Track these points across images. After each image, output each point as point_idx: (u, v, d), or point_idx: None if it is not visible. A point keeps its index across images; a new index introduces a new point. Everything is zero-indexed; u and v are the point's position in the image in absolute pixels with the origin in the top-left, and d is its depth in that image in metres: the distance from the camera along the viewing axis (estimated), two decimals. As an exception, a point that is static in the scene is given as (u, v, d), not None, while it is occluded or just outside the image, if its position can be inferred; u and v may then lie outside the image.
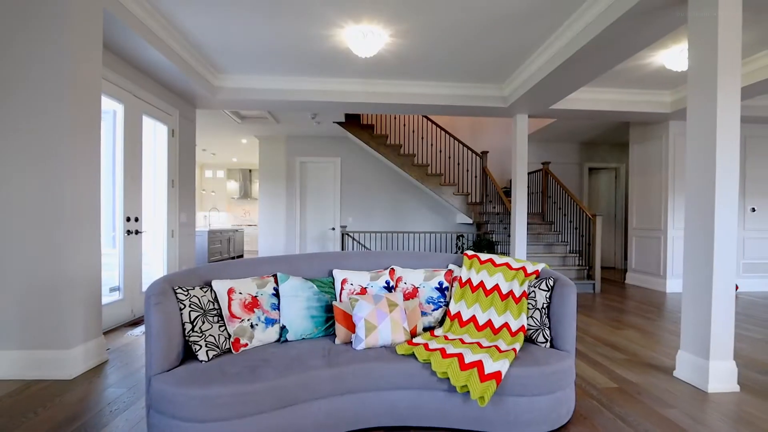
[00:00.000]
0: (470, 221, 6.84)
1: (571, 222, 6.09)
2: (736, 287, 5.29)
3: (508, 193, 6.71)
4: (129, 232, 3.47)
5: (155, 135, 4.05)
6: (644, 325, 3.59)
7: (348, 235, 6.52)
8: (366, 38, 3.32)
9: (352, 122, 6.37)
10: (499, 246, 6.01)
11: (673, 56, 3.65)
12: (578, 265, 5.65)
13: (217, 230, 8.45)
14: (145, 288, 3.71)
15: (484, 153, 6.49)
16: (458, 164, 6.84)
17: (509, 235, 5.49)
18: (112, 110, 3.37)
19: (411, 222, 7.40)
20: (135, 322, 3.49)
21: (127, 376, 2.33)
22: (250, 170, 10.85)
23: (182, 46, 3.57)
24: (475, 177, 7.07)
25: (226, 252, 8.81)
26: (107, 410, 1.90)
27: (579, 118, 5.30)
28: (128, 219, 3.47)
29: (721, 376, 2.18)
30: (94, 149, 2.49)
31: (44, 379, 2.26)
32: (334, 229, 7.39)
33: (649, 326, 3.54)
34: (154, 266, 4.04)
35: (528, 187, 7.31)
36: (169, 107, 4.17)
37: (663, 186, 5.43)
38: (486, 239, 5.99)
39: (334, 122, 6.30)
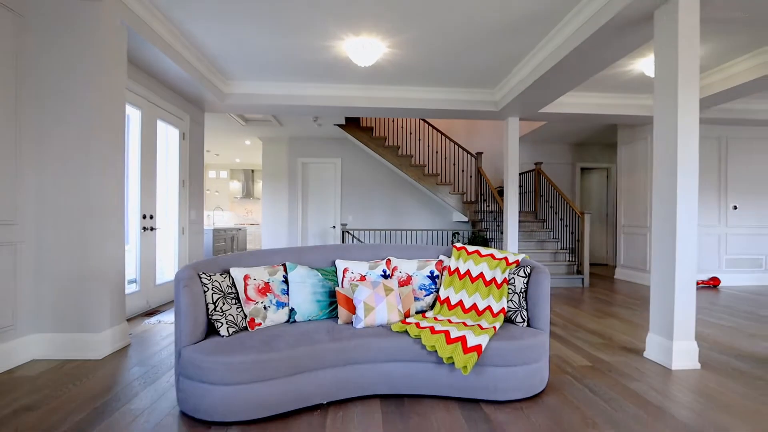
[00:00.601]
0: (466, 219, 7.10)
1: (561, 220, 6.35)
2: (718, 281, 5.55)
3: (501, 192, 6.96)
4: (145, 229, 3.73)
5: (167, 138, 4.31)
6: (625, 314, 3.85)
7: (348, 232, 6.78)
8: (365, 49, 3.58)
9: (352, 124, 6.63)
10: (492, 243, 6.27)
11: (651, 64, 3.91)
12: (568, 260, 5.90)
13: (221, 229, 8.69)
14: (158, 281, 3.98)
15: (479, 154, 6.75)
16: (454, 164, 7.10)
17: (502, 233, 5.75)
18: (127, 115, 3.63)
19: (409, 220, 7.67)
20: (150, 312, 3.74)
21: (149, 357, 2.58)
22: (253, 170, 11.12)
23: (194, 56, 3.83)
24: (470, 177, 7.33)
25: (229, 250, 9.06)
26: (136, 383, 2.16)
27: (568, 120, 5.56)
28: (144, 216, 3.72)
29: (683, 355, 2.44)
30: (118, 152, 2.74)
31: (77, 359, 2.51)
32: (334, 227, 7.65)
33: (629, 316, 3.80)
34: (167, 261, 4.30)
35: (521, 186, 7.58)
36: (181, 112, 4.43)
37: (648, 185, 5.70)
38: (480, 236, 6.25)
39: (334, 125, 6.57)
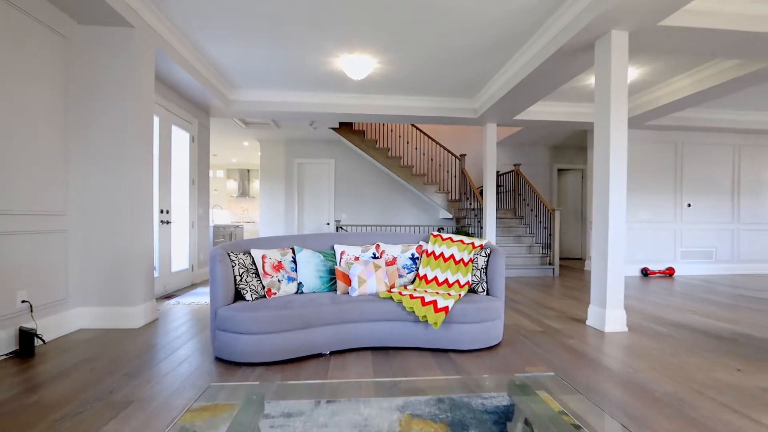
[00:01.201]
0: (450, 216, 7.67)
1: (537, 217, 6.97)
2: (673, 271, 6.22)
3: (483, 191, 7.56)
4: (162, 222, 4.21)
5: (179, 141, 4.78)
6: (582, 297, 4.45)
7: (342, 228, 7.30)
8: (358, 65, 4.12)
9: (346, 128, 7.15)
10: (474, 237, 6.86)
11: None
12: (542, 253, 6.52)
13: (220, 225, 9.12)
14: (173, 269, 4.46)
15: (463, 156, 7.34)
16: (440, 166, 7.68)
17: (482, 228, 6.33)
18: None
19: (398, 217, 8.22)
20: (168, 296, 4.22)
21: (178, 326, 3.08)
22: (248, 170, 11.55)
23: (206, 68, 4.32)
24: (455, 177, 7.91)
25: (228, 246, 9.49)
26: (173, 343, 2.66)
27: (542, 126, 6.17)
28: (161, 211, 4.20)
29: (614, 320, 3.03)
30: (148, 157, 3.24)
31: (117, 328, 3.00)
32: (329, 223, 8.16)
33: (586, 298, 4.40)
34: (180, 252, 4.77)
35: (502, 186, 8.19)
36: (191, 117, 4.91)
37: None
38: (463, 231, 6.83)
39: (329, 128, 7.09)
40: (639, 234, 6.34)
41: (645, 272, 6.20)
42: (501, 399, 1.69)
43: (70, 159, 2.93)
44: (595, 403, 1.79)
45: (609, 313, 3.02)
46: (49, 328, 2.70)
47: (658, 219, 6.40)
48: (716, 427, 1.63)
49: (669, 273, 6.23)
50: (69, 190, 2.92)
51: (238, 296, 2.51)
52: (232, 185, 11.60)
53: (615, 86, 3.00)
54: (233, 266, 2.44)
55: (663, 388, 2.00)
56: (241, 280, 2.44)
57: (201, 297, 4.17)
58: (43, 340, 2.52)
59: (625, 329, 3.05)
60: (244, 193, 11.49)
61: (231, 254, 2.47)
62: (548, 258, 6.38)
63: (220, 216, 11.33)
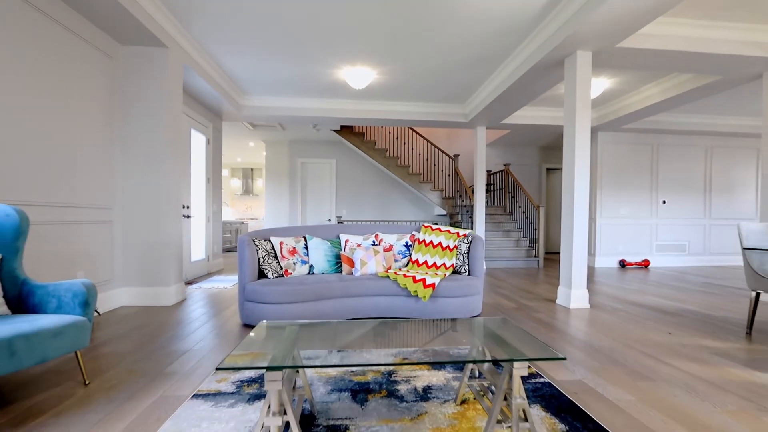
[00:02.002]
0: (444, 212, 8.18)
1: (524, 213, 7.49)
2: (648, 263, 6.76)
3: (475, 189, 8.06)
4: (184, 217, 4.70)
5: (196, 143, 5.27)
6: (559, 283, 4.97)
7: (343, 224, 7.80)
8: (359, 75, 4.61)
9: (347, 130, 7.65)
10: (466, 232, 7.37)
11: (581, 89, 5.02)
12: (528, 246, 7.04)
13: (227, 222, 9.64)
14: (193, 259, 4.96)
15: (456, 156, 7.84)
16: (435, 165, 8.18)
17: (473, 223, 6.84)
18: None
19: (396, 213, 8.73)
20: (188, 282, 4.72)
21: (203, 305, 3.58)
22: (252, 169, 12.04)
23: (221, 77, 4.81)
24: (449, 176, 8.42)
25: (235, 241, 9.99)
26: (205, 315, 3.16)
27: (527, 129, 6.68)
28: (183, 206, 4.69)
29: (578, 298, 3.55)
30: (179, 159, 3.73)
31: (154, 305, 3.51)
32: (330, 219, 8.66)
33: (563, 283, 4.92)
34: (197, 243, 5.27)
35: (494, 184, 8.71)
36: (206, 121, 5.40)
37: (594, 183, 6.86)
38: (456, 227, 7.34)
39: (331, 130, 7.58)
40: (618, 229, 6.86)
41: (622, 264, 6.73)
42: (468, 344, 2.20)
43: (114, 161, 3.43)
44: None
45: (573, 293, 3.54)
46: (100, 303, 3.20)
47: (636, 215, 6.93)
48: (632, 366, 2.15)
49: (645, 265, 6.76)
50: (114, 188, 3.42)
51: (261, 275, 3.02)
52: (236, 183, 12.09)
53: (580, 97, 3.52)
54: (257, 250, 2.95)
55: (601, 343, 2.52)
56: (263, 262, 2.95)
57: (218, 283, 4.67)
58: (98, 312, 3.02)
59: (588, 306, 3.57)
60: (247, 191, 11.98)
61: (255, 240, 2.97)
62: (534, 251, 6.90)
63: (225, 213, 11.81)
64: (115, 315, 3.18)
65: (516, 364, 1.29)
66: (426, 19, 3.49)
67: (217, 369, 1.14)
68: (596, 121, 6.36)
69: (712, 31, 3.59)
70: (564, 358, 1.25)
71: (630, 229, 6.90)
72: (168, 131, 3.55)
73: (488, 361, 1.38)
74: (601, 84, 5.04)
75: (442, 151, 7.90)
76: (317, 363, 1.79)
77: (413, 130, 7.98)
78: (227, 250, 9.46)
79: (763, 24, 3.61)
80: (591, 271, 6.23)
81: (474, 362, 1.35)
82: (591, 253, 6.89)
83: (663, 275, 5.80)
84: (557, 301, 3.76)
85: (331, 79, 4.94)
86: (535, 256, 6.81)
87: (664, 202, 7.00)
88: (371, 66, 4.52)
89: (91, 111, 3.13)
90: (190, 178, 4.87)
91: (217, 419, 1.53)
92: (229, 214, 11.92)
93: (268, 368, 1.19)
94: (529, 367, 2.10)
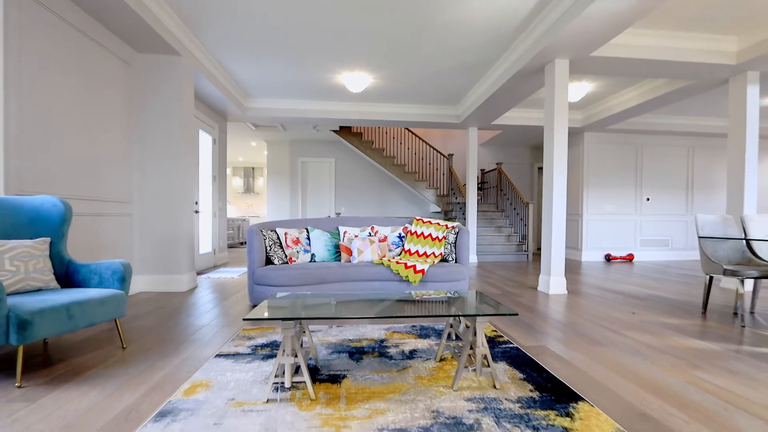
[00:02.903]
0: (439, 209, 8.51)
1: (515, 209, 7.83)
2: (632, 257, 7.11)
3: (469, 187, 8.39)
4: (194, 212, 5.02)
5: (204, 143, 5.59)
6: (545, 274, 5.31)
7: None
8: (357, 80, 4.94)
9: (345, 130, 7.98)
10: (460, 228, 7.71)
11: (571, 91, 5.36)
12: (518, 241, 7.38)
13: (230, 219, 9.96)
14: (201, 252, 5.28)
15: (450, 155, 8.18)
16: (430, 164, 8.50)
17: (465, 219, 7.18)
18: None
19: (392, 210, 9.06)
20: (197, 273, 5.04)
21: (213, 291, 3.91)
22: (253, 168, 12.35)
23: (228, 81, 5.13)
24: (443, 174, 8.76)
25: (237, 237, 10.31)
26: (216, 299, 3.49)
27: (518, 130, 7.01)
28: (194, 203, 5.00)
29: (556, 285, 3.88)
30: (191, 157, 4.05)
31: (168, 291, 3.83)
32: (329, 216, 8.99)
33: (548, 274, 5.25)
34: (204, 237, 5.59)
35: (487, 182, 9.05)
36: (213, 122, 5.72)
37: (581, 181, 7.20)
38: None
39: (330, 130, 7.90)
40: (604, 224, 7.21)
41: (608, 258, 7.08)
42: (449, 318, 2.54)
43: (133, 159, 3.75)
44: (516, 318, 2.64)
45: (552, 280, 3.88)
46: (121, 288, 3.52)
47: (621, 211, 7.27)
48: (592, 336, 2.49)
49: (629, 259, 7.11)
50: (131, 183, 3.74)
51: (268, 262, 3.34)
52: (238, 182, 12.40)
53: (558, 101, 3.85)
54: (264, 239, 3.27)
55: (569, 320, 2.86)
56: (270, 250, 3.28)
57: (225, 274, 4.99)
58: (120, 296, 3.34)
59: (565, 292, 3.91)
60: (249, 189, 12.29)
61: (262, 231, 3.30)
62: (524, 246, 7.24)
63: (227, 210, 12.13)
64: (136, 299, 3.50)
65: (479, 319, 1.63)
66: (417, 32, 3.81)
67: (244, 319, 1.47)
68: (582, 122, 6.70)
69: (680, 41, 3.93)
70: (516, 314, 1.59)
71: (615, 225, 7.24)
72: (180, 132, 3.87)
73: (457, 316, 1.71)
74: (583, 87, 5.38)
75: (437, 151, 8.24)
76: (320, 330, 2.11)
77: (409, 131, 8.30)
78: (230, 246, 9.78)
79: (726, 35, 3.95)
80: (577, 265, 6.57)
81: (447, 316, 1.68)
82: (578, 248, 7.24)
83: (645, 268, 6.14)
84: (538, 288, 4.09)
85: (331, 83, 5.27)
86: (524, 251, 7.14)
87: (648, 199, 7.34)
88: (368, 71, 4.84)
89: (112, 113, 3.46)
90: (199, 175, 5.19)
91: (239, 370, 1.86)
92: (231, 211, 12.23)
93: (284, 319, 1.52)
94: (501, 336, 2.44)
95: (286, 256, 3.40)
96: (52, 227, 2.21)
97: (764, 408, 1.56)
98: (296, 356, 1.60)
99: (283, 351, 1.57)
